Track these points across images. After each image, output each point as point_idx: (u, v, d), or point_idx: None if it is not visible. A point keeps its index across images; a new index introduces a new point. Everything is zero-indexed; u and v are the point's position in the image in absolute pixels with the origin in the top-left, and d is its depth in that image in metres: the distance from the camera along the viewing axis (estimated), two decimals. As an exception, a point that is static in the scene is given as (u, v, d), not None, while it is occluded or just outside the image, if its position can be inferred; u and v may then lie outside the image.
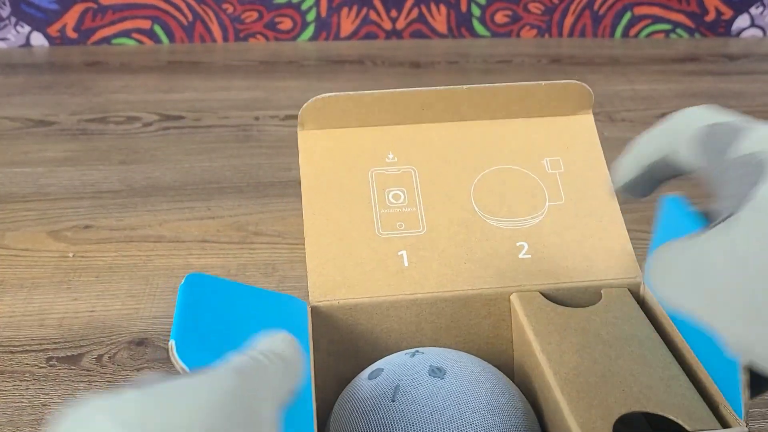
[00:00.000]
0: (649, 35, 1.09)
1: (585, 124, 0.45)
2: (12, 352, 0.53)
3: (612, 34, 1.08)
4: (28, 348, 0.53)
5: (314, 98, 0.42)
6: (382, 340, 0.41)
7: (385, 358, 0.38)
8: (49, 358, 0.52)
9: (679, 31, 1.09)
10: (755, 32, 1.09)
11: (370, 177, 0.43)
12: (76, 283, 0.59)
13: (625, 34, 1.08)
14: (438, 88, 0.43)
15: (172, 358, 0.29)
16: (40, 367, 0.51)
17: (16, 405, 0.49)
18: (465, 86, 0.43)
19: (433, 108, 0.44)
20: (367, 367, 0.39)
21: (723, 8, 1.08)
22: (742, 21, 1.09)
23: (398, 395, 0.33)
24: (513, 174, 0.43)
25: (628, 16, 1.08)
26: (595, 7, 1.07)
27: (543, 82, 0.44)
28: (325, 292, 0.39)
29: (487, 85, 0.44)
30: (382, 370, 0.36)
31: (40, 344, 0.53)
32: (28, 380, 0.50)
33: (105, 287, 0.59)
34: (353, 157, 0.43)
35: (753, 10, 1.08)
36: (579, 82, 0.44)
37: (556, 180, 0.43)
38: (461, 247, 0.40)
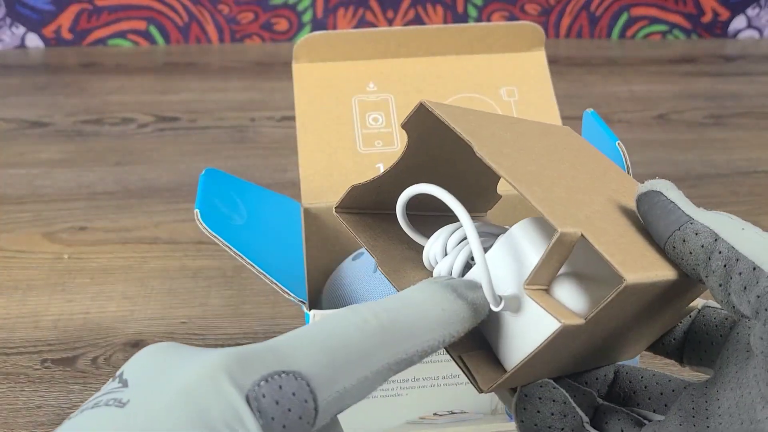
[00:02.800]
0: (646, 36, 1.09)
1: (537, 59, 0.53)
2: (7, 354, 0.52)
3: (609, 35, 1.08)
4: (22, 350, 0.53)
5: (306, 36, 0.51)
6: None
7: None
8: (44, 360, 0.52)
9: (675, 32, 1.09)
10: (752, 33, 1.10)
11: (354, 103, 0.52)
12: (71, 284, 0.59)
13: (622, 35, 1.08)
14: (411, 27, 0.53)
15: (198, 223, 0.37)
16: (35, 369, 0.51)
17: (10, 407, 0.48)
18: (435, 26, 0.52)
19: (408, 45, 0.53)
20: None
21: (720, 9, 1.08)
22: (739, 22, 1.09)
23: (378, 269, 0.39)
24: (474, 101, 0.51)
25: (624, 17, 1.08)
26: (592, 8, 1.07)
27: (501, 23, 0.52)
28: (315, 196, 0.48)
29: (453, 24, 0.52)
30: (363, 252, 0.41)
31: (35, 346, 0.53)
32: (23, 382, 0.50)
33: (100, 289, 0.59)
34: (339, 86, 0.52)
35: (750, 12, 1.08)
36: (532, 23, 0.52)
37: (511, 106, 0.51)
38: None
